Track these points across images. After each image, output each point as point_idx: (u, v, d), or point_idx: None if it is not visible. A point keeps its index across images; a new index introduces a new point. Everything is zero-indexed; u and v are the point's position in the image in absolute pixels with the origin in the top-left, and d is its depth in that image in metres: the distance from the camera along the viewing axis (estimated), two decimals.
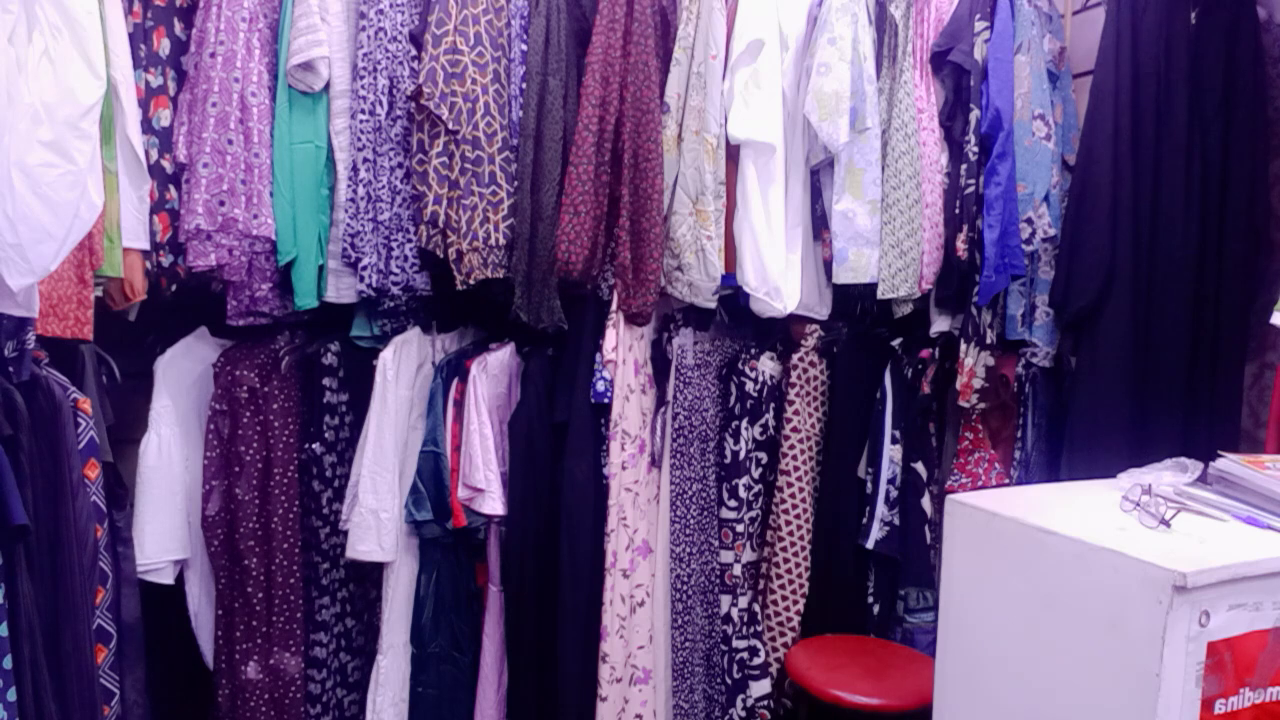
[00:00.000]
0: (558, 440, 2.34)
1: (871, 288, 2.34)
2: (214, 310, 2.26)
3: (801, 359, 2.43)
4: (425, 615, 2.32)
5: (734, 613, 2.41)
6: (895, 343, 2.45)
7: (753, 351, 2.46)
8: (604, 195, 2.24)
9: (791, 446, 2.42)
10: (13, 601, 1.57)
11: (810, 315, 2.43)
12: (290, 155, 2.16)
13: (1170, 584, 1.22)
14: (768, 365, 2.44)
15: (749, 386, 2.42)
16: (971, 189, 2.27)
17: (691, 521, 2.37)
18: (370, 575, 2.41)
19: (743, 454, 2.41)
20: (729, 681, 2.40)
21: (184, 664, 2.35)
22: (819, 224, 2.38)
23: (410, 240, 2.22)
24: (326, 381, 2.35)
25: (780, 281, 2.29)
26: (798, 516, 2.42)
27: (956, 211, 2.30)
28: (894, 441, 2.39)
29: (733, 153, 2.31)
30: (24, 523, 1.55)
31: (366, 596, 2.45)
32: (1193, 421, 2.21)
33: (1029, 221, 2.30)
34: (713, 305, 2.32)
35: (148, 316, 2.17)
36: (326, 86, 2.19)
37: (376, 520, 2.24)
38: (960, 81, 2.32)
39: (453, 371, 2.36)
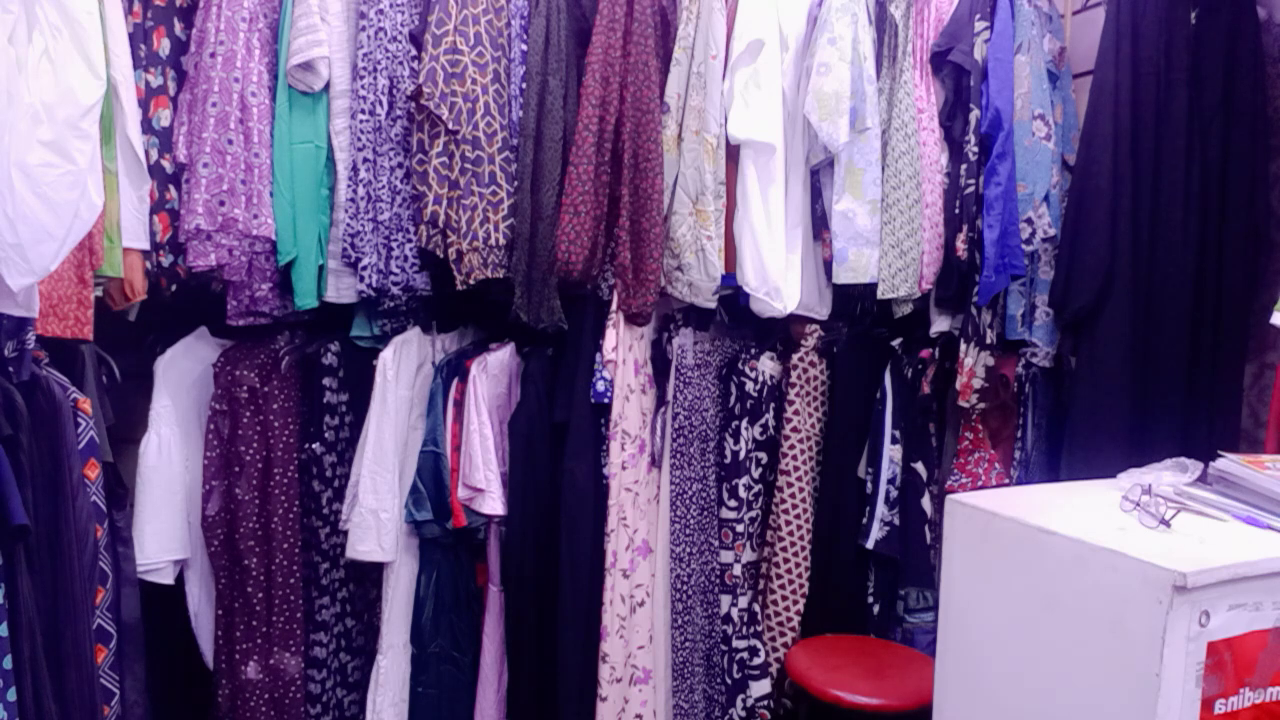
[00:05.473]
0: (558, 440, 2.34)
1: (871, 288, 2.34)
2: (214, 310, 2.26)
3: (801, 359, 2.43)
4: (425, 615, 2.32)
5: (734, 613, 2.41)
6: (895, 343, 2.45)
7: (753, 351, 2.46)
8: (604, 195, 2.24)
9: (791, 446, 2.42)
10: (13, 601, 1.57)
11: (810, 315, 2.43)
12: (290, 155, 2.16)
13: (1170, 584, 1.22)
14: (768, 365, 2.44)
15: (749, 386, 2.42)
16: (971, 189, 2.27)
17: (691, 521, 2.37)
18: (370, 575, 2.41)
19: (743, 454, 2.41)
20: (729, 681, 2.40)
21: (184, 664, 2.35)
22: (819, 224, 2.38)
23: (410, 240, 2.22)
24: (326, 381, 2.35)
25: (780, 281, 2.29)
26: (798, 516, 2.42)
27: (956, 211, 2.30)
28: (894, 441, 2.39)
29: (733, 153, 2.31)
30: (24, 523, 1.55)
31: (366, 596, 2.45)
32: (1193, 421, 2.20)
33: (1029, 221, 2.30)
34: (713, 305, 2.32)
35: (148, 316, 2.18)
36: (326, 86, 2.19)
37: (376, 520, 2.25)
38: (960, 81, 2.33)
39: (453, 371, 2.36)
